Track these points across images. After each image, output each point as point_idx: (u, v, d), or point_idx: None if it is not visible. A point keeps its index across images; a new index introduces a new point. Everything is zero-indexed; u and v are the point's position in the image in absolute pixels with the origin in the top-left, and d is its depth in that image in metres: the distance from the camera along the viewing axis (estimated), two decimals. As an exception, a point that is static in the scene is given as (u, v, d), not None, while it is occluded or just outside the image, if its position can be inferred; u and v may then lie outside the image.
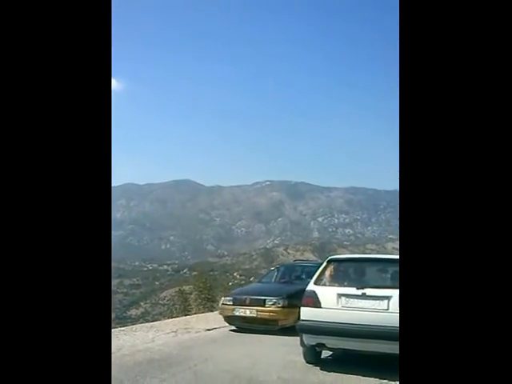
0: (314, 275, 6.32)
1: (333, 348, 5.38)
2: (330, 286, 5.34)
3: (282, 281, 9.29)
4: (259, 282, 10.17)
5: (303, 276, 9.14)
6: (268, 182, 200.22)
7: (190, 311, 14.79)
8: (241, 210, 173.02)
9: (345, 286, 5.25)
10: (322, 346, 5.26)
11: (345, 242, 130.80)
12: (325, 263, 5.70)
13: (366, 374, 4.88)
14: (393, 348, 4.53)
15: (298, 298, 7.19)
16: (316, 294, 5.21)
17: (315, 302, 5.17)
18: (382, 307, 4.89)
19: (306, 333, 5.23)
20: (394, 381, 4.53)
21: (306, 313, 5.21)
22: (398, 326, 4.24)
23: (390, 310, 4.82)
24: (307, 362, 5.39)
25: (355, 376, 4.96)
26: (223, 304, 8.48)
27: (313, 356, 5.41)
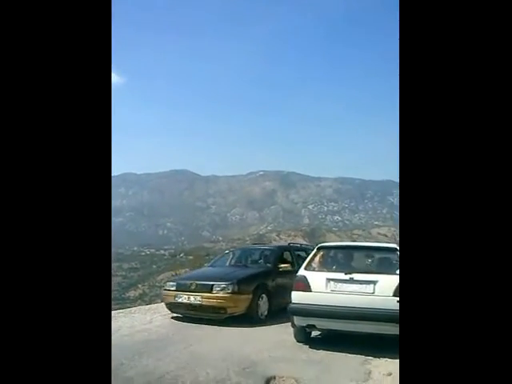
0: (272, 259, 7.38)
1: (322, 329, 5.54)
2: (319, 271, 5.47)
3: (236, 264, 8.11)
4: (210, 265, 8.76)
5: (261, 260, 8.11)
6: (261, 172, 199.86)
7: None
8: (235, 199, 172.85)
9: (333, 271, 5.40)
10: (312, 326, 5.42)
11: (333, 228, 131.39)
12: (315, 250, 5.88)
13: (353, 352, 5.04)
14: (378, 328, 4.98)
15: (250, 283, 6.93)
16: (306, 279, 5.34)
17: (305, 286, 5.30)
18: (369, 291, 5.04)
19: (296, 315, 5.36)
20: (378, 357, 4.79)
21: (297, 296, 5.36)
22: (384, 308, 4.64)
23: (375, 294, 4.98)
24: (298, 341, 5.56)
25: (342, 353, 5.07)
26: (165, 289, 7.30)
27: (303, 336, 5.57)
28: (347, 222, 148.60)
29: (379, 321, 4.86)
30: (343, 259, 5.82)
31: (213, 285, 6.76)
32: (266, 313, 7.14)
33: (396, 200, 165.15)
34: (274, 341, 5.58)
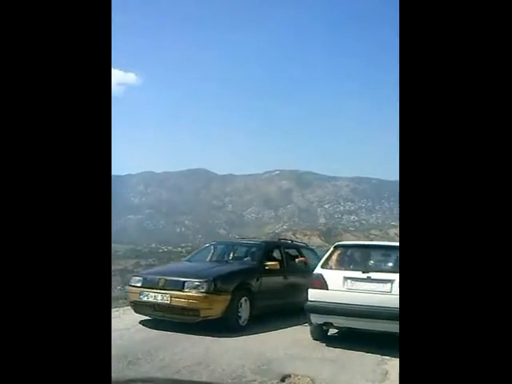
0: (259, 256, 6.99)
1: (339, 327, 5.53)
2: (336, 269, 5.49)
3: (217, 260, 7.23)
4: (187, 260, 7.80)
5: (246, 256, 7.28)
6: (277, 172, 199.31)
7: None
8: (252, 198, 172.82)
9: (350, 270, 5.43)
10: (329, 324, 5.42)
11: (350, 228, 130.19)
12: (332, 248, 5.86)
13: (369, 350, 5.02)
14: (395, 327, 4.42)
15: (230, 281, 5.92)
16: (323, 277, 5.36)
17: (322, 284, 5.33)
18: (386, 290, 5.03)
19: (313, 312, 5.36)
20: (395, 357, 4.64)
21: (314, 294, 5.37)
22: None
23: (392, 293, 4.94)
24: (314, 339, 5.54)
25: (359, 353, 5.01)
26: (130, 285, 6.23)
27: (319, 334, 5.56)
28: (364, 222, 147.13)
29: (397, 320, 4.60)
30: (360, 258, 5.79)
31: (184, 282, 5.74)
32: (247, 318, 6.09)
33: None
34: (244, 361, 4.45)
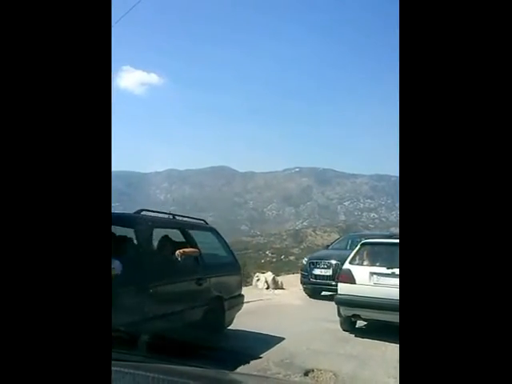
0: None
1: (366, 319, 5.86)
2: (363, 265, 5.80)
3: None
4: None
5: None
6: (297, 169, 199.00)
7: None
8: (272, 194, 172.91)
9: (376, 266, 5.70)
10: (357, 316, 5.72)
11: (370, 225, 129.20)
12: (359, 246, 6.20)
13: (395, 341, 5.06)
14: None
15: None
16: (351, 272, 5.68)
17: (350, 279, 5.65)
18: None
19: (342, 305, 5.68)
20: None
21: (343, 288, 5.68)
22: None
23: None
24: (343, 330, 5.84)
25: (381, 350, 5.00)
26: None
27: (348, 325, 5.86)
28: (384, 220, 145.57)
29: None
30: (385, 254, 5.96)
31: None
32: None
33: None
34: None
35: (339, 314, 5.81)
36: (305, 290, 9.84)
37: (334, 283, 7.84)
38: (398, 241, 7.31)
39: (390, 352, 4.94)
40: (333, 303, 5.96)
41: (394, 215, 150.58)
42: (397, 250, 6.00)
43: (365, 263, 5.86)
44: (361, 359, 4.60)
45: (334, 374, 4.02)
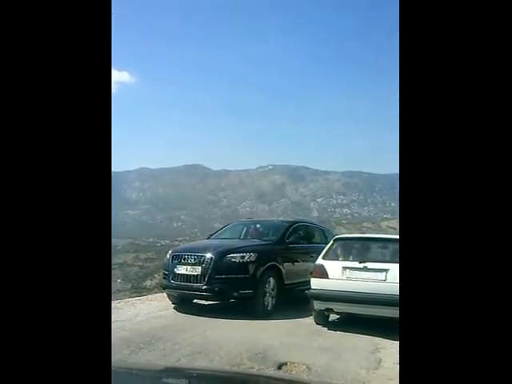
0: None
1: (339, 312, 6.05)
2: (335, 260, 5.99)
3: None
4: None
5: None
6: (271, 166, 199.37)
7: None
8: (246, 192, 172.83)
9: (348, 260, 5.92)
10: (330, 310, 5.93)
11: (343, 221, 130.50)
12: (331, 241, 6.40)
13: (367, 333, 5.45)
14: (390, 312, 5.21)
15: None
16: (324, 267, 5.88)
17: (323, 274, 5.83)
18: (381, 278, 5.47)
19: (315, 299, 5.87)
20: (390, 340, 5.10)
21: (316, 282, 5.88)
22: (395, 293, 4.60)
23: (387, 281, 5.41)
24: (317, 324, 6.02)
25: (353, 342, 5.09)
26: None
27: (321, 319, 6.05)
28: (356, 215, 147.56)
29: (390, 305, 5.13)
30: (357, 249, 6.21)
31: None
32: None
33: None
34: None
35: (312, 308, 6.02)
36: (168, 296, 7.21)
37: (206, 287, 6.30)
38: (370, 236, 7.64)
39: (362, 344, 5.04)
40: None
41: (366, 211, 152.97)
42: (369, 245, 6.34)
43: (337, 258, 6.04)
44: (334, 351, 4.67)
45: (308, 367, 4.07)
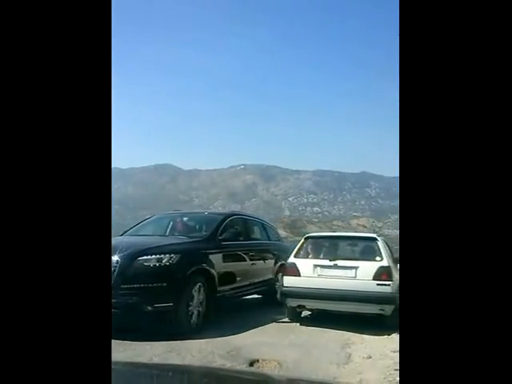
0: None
1: (311, 308, 6.22)
2: (307, 258, 6.10)
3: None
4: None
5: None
6: (242, 166, 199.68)
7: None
8: (218, 192, 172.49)
9: (319, 259, 6.04)
10: (302, 307, 6.06)
11: (314, 220, 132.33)
12: (303, 239, 6.46)
13: (338, 328, 5.55)
14: (359, 308, 5.56)
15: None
16: (296, 265, 5.95)
17: (295, 272, 5.90)
18: (351, 275, 5.60)
19: (288, 297, 5.95)
20: (359, 334, 5.30)
21: (288, 280, 5.95)
22: (364, 290, 5.31)
23: (356, 278, 5.56)
24: (290, 320, 6.11)
25: (324, 338, 5.16)
26: None
27: (294, 315, 6.13)
28: (327, 214, 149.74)
29: (360, 301, 5.43)
30: (328, 248, 6.33)
31: None
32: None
33: (373, 191, 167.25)
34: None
35: (285, 306, 6.11)
36: None
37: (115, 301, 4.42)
38: (339, 234, 7.88)
39: (332, 340, 5.10)
40: None
41: (336, 209, 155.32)
42: (338, 243, 6.52)
43: (308, 256, 6.15)
44: (305, 348, 4.72)
45: (279, 363, 4.10)
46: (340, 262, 5.75)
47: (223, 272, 5.82)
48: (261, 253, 7.22)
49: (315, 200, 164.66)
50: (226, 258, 5.95)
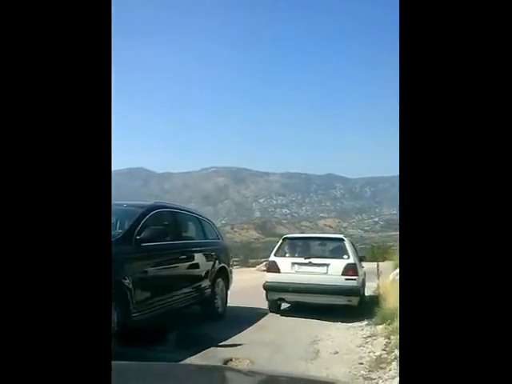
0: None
1: (290, 301, 6.84)
2: (285, 256, 6.68)
3: None
4: None
5: None
6: (213, 169, 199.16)
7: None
8: (190, 194, 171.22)
9: (296, 257, 6.63)
10: (282, 299, 6.64)
11: (283, 221, 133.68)
12: (281, 240, 7.06)
13: (313, 317, 6.07)
14: (330, 300, 6.22)
15: None
16: (276, 263, 6.57)
17: (276, 269, 6.52)
18: (323, 271, 6.25)
19: (269, 291, 6.49)
20: (330, 321, 5.88)
21: (270, 276, 6.55)
22: (334, 284, 6.03)
23: (328, 273, 6.21)
24: (271, 312, 6.61)
25: (294, 336, 5.27)
26: None
27: (275, 307, 6.66)
28: (295, 215, 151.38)
29: (331, 294, 6.09)
30: (302, 247, 6.93)
31: None
32: None
33: (338, 192, 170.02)
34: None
35: (267, 298, 6.54)
36: None
37: None
38: (312, 235, 8.17)
39: (301, 337, 5.20)
40: None
41: (304, 210, 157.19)
42: (312, 243, 7.10)
43: (286, 255, 6.68)
44: (275, 345, 4.78)
45: (251, 361, 4.15)
46: (314, 260, 6.32)
47: (142, 284, 4.26)
48: (195, 255, 5.46)
49: (284, 201, 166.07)
50: (145, 266, 4.38)
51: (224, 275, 6.24)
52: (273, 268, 6.57)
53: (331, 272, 6.17)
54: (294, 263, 6.45)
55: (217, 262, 6.05)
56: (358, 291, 6.25)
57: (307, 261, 6.35)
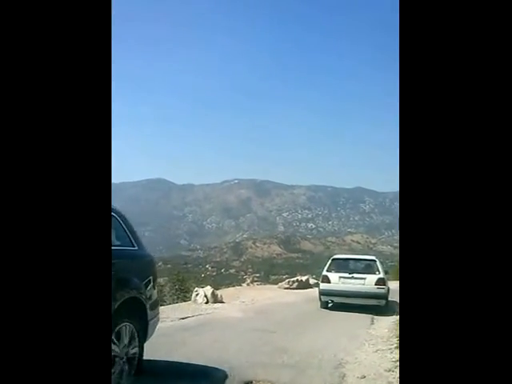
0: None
1: (336, 302, 10.15)
2: (334, 272, 9.98)
3: None
4: None
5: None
6: (236, 181, 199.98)
7: (164, 302, 14.58)
8: (211, 207, 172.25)
9: (342, 272, 9.90)
10: (331, 301, 10.15)
11: (308, 236, 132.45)
12: (330, 260, 10.45)
13: (352, 311, 9.36)
14: (366, 301, 9.80)
15: None
16: (328, 276, 9.89)
17: (327, 280, 9.90)
18: (361, 283, 9.63)
19: (322, 295, 9.96)
20: (365, 313, 9.03)
21: (323, 285, 9.93)
22: (369, 291, 11.08)
23: (365, 284, 9.54)
24: (321, 308, 10.08)
25: (318, 358, 5.15)
26: None
27: (325, 305, 10.12)
28: (321, 230, 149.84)
29: (367, 298, 9.57)
30: (347, 265, 10.28)
31: None
32: None
33: (367, 207, 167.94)
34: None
35: (320, 300, 10.00)
36: None
37: None
38: (353, 256, 11.80)
39: (326, 359, 5.10)
40: None
41: (331, 225, 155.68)
42: (353, 262, 10.62)
43: (333, 271, 9.99)
44: (298, 368, 4.71)
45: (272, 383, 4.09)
46: (355, 275, 9.64)
47: None
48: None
49: (309, 215, 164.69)
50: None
51: (136, 314, 3.48)
52: (325, 280, 9.94)
53: (367, 283, 9.52)
54: (340, 277, 9.74)
55: (125, 288, 3.32)
56: (385, 296, 9.69)
57: (350, 275, 9.63)
